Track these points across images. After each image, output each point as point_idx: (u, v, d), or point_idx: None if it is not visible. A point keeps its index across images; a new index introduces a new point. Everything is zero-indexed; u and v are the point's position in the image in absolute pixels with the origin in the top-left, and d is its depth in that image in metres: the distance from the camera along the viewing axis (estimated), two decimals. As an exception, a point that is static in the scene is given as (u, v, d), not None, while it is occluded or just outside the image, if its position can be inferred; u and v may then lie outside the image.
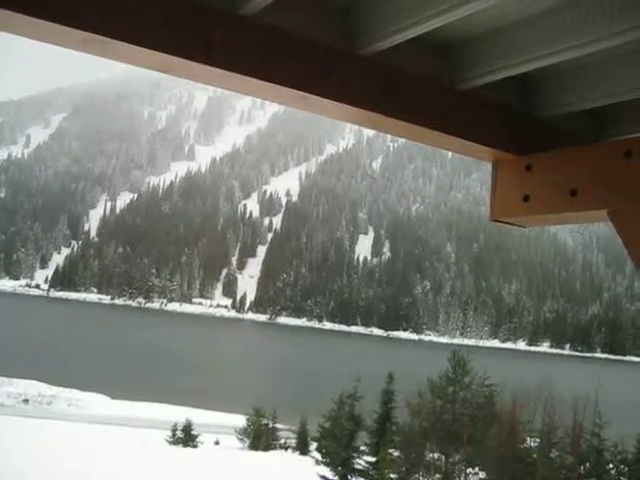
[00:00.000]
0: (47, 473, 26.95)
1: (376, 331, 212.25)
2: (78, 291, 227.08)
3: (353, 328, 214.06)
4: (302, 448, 45.79)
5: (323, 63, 2.84)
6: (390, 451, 29.25)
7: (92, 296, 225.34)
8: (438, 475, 28.92)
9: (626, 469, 30.35)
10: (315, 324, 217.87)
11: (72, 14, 2.29)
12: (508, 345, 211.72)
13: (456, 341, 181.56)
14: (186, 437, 45.36)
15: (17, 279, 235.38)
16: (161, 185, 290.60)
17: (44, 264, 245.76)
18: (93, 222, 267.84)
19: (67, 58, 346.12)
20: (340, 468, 29.76)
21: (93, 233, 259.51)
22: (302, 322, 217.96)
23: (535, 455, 30.48)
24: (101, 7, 2.35)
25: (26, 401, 60.11)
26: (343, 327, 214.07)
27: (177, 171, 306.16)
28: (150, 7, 2.43)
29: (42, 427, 44.47)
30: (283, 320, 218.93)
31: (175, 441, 44.86)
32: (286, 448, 47.29)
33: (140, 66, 2.63)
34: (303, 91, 2.80)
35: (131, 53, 2.48)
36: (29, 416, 51.59)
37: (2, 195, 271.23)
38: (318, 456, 34.10)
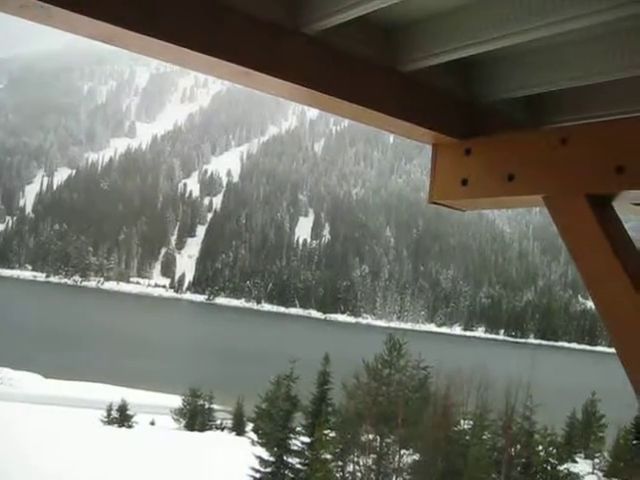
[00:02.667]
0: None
1: (314, 313, 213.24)
2: (12, 268, 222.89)
3: (291, 310, 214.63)
4: (238, 429, 45.94)
5: (266, 39, 2.83)
6: (326, 432, 29.49)
7: (27, 273, 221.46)
8: (373, 455, 29.29)
9: (554, 451, 31.20)
10: (253, 305, 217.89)
11: None
12: (444, 330, 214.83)
13: (393, 325, 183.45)
14: (121, 417, 45.08)
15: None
16: (100, 162, 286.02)
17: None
18: (29, 198, 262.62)
19: (3, 27, 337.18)
20: (276, 449, 29.91)
21: (29, 209, 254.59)
22: (240, 303, 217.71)
23: (468, 437, 31.09)
24: None
25: (-46, 380, 58.90)
26: (281, 309, 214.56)
27: (117, 148, 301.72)
28: None
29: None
30: (221, 301, 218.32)
31: (110, 421, 44.54)
32: (222, 429, 47.38)
33: (80, 35, 2.59)
34: (245, 66, 2.79)
35: (71, 20, 2.43)
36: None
37: None
38: (254, 437, 34.27)
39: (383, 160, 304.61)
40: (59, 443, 31.75)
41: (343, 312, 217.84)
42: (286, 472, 29.35)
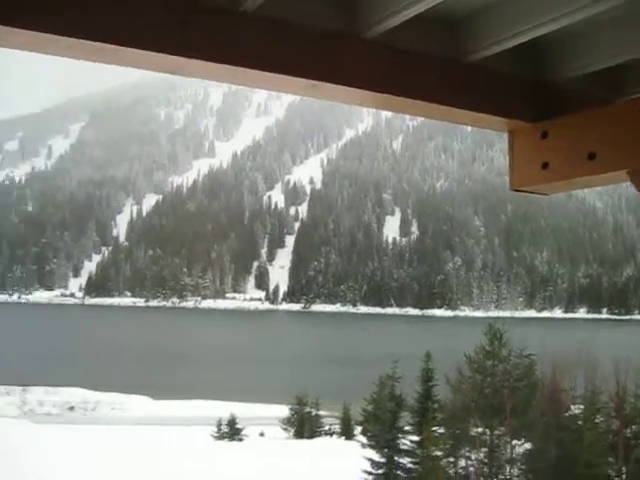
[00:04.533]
0: (100, 477, 27.41)
1: (411, 311, 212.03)
2: (112, 296, 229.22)
3: (388, 310, 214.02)
4: (347, 433, 46.03)
5: (329, 49, 2.82)
6: (434, 429, 29.31)
7: (126, 300, 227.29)
8: (484, 449, 28.93)
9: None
10: (349, 309, 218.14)
11: (83, 27, 2.32)
12: (545, 314, 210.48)
13: (491, 314, 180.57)
14: (231, 431, 45.77)
15: (52, 290, 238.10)
16: (184, 184, 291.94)
17: (77, 273, 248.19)
18: (121, 227, 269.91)
19: (81, 68, 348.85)
20: (386, 450, 29.90)
21: (122, 238, 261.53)
22: (336, 308, 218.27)
23: (580, 422, 30.34)
24: (109, 17, 2.37)
25: (72, 408, 60.98)
26: (378, 309, 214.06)
27: (199, 169, 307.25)
28: (152, 11, 2.44)
29: (89, 433, 45.09)
30: (317, 308, 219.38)
31: (221, 436, 45.29)
32: (331, 434, 47.58)
33: (145, 69, 2.63)
34: (312, 79, 2.78)
35: (141, 58, 2.49)
36: (76, 423, 52.34)
37: (30, 209, 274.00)
38: (363, 439, 34.28)
39: (464, 150, 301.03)
40: (174, 460, 32.45)
41: (440, 307, 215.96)
42: (398, 472, 29.30)
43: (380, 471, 29.25)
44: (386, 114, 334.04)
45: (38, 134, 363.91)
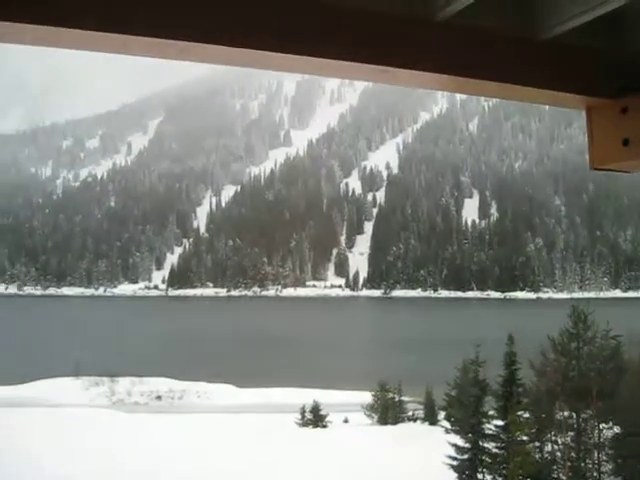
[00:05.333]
0: (188, 463, 27.96)
1: (493, 294, 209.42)
2: (194, 287, 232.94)
3: (469, 293, 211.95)
4: (430, 418, 45.84)
5: (399, 32, 2.79)
6: (519, 413, 28.94)
7: (209, 290, 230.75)
8: (570, 433, 28.44)
9: None
10: (430, 294, 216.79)
11: (168, 28, 2.36)
12: (631, 294, 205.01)
13: (575, 295, 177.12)
14: (315, 418, 46.07)
15: (136, 282, 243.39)
16: (262, 174, 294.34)
17: (159, 265, 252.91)
18: (201, 218, 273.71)
19: (156, 63, 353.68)
20: (470, 435, 29.64)
21: (202, 229, 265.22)
22: (417, 293, 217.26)
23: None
24: (193, 16, 2.40)
25: (159, 397, 62.37)
26: (459, 294, 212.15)
27: (276, 158, 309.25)
28: (228, 8, 2.47)
29: (177, 421, 46.03)
30: (398, 293, 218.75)
31: (305, 423, 45.63)
32: (415, 420, 47.46)
33: (221, 64, 2.64)
34: (383, 65, 2.76)
35: (221, 54, 2.54)
36: (163, 412, 53.52)
37: (112, 204, 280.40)
38: (447, 424, 34.07)
39: (541, 128, 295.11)
40: (260, 448, 32.84)
41: (522, 289, 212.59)
42: (483, 457, 29.02)
43: (465, 456, 29.03)
44: (461, 95, 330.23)
45: (117, 131, 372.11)
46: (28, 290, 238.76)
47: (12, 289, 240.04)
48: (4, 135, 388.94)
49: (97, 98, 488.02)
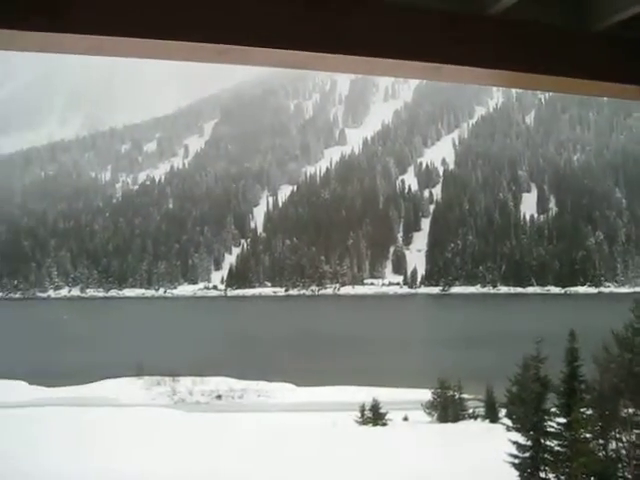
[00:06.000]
0: (249, 462, 28.15)
1: (553, 289, 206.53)
2: (253, 287, 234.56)
3: (529, 289, 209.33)
4: (491, 416, 45.43)
5: (452, 30, 2.76)
6: (582, 410, 28.47)
7: (267, 290, 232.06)
8: (636, 430, 27.87)
9: None
10: (489, 290, 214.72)
11: (206, 32, 2.36)
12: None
13: (638, 289, 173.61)
14: (375, 416, 46.02)
15: (195, 283, 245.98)
16: (318, 173, 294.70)
17: (218, 265, 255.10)
18: (258, 219, 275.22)
19: (210, 66, 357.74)
20: (532, 432, 29.26)
21: (260, 229, 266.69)
22: (476, 289, 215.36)
23: None
24: (230, 19, 2.39)
25: (219, 397, 63.06)
26: (518, 289, 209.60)
27: (331, 157, 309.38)
28: (273, 10, 2.45)
29: (238, 420, 46.42)
30: (456, 290, 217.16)
31: (364, 421, 45.61)
32: (475, 417, 47.09)
33: (273, 66, 2.69)
34: (435, 62, 2.74)
35: (264, 56, 2.52)
36: (223, 411, 54.04)
37: (170, 206, 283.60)
38: (508, 422, 33.70)
39: (600, 120, 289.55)
40: (321, 446, 32.92)
41: (583, 284, 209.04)
42: (545, 455, 28.62)
43: (526, 454, 28.65)
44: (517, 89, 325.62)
45: (174, 134, 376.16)
46: (91, 292, 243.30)
47: (75, 291, 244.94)
48: (65, 141, 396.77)
49: (154, 102, 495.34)
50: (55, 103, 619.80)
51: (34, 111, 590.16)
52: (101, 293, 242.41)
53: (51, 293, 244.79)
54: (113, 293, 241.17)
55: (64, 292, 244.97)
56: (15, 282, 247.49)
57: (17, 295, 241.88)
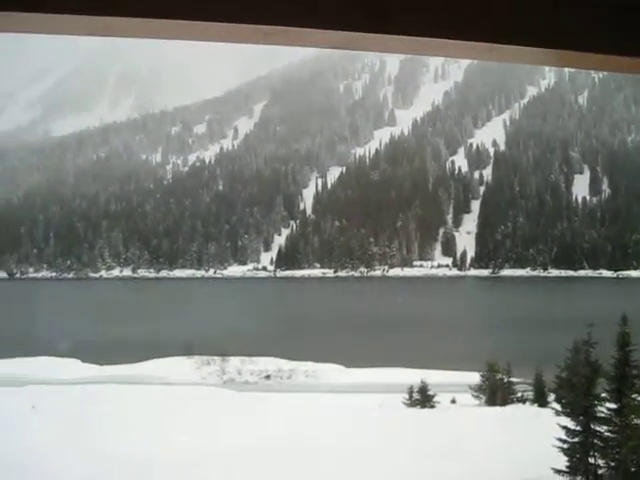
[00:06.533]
0: (296, 442, 28.44)
1: (605, 273, 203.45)
2: (302, 268, 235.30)
3: (580, 272, 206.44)
4: (540, 400, 45.11)
5: (504, 8, 2.67)
6: (633, 396, 28.16)
7: (316, 271, 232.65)
8: (688, 416, 27.51)
9: None
10: (540, 273, 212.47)
11: (252, 12, 2.33)
12: None
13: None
14: (423, 398, 46.05)
15: (244, 264, 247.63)
16: (367, 154, 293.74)
17: (267, 247, 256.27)
18: (307, 200, 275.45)
19: (259, 48, 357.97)
20: (582, 417, 29.03)
21: (309, 211, 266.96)
22: (526, 272, 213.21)
23: None
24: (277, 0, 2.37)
25: (268, 377, 63.65)
26: (569, 272, 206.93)
27: (381, 138, 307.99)
28: None
29: (286, 400, 46.85)
30: (506, 272, 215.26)
31: (412, 403, 45.67)
32: (523, 401, 46.81)
33: (317, 46, 2.59)
34: (487, 42, 2.67)
35: (311, 37, 2.46)
36: (272, 391, 54.58)
37: (220, 188, 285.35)
38: (557, 407, 33.46)
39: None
40: (367, 427, 33.11)
41: (636, 267, 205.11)
42: (595, 441, 28.38)
43: (576, 439, 28.46)
44: (570, 68, 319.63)
45: (224, 116, 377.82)
46: (142, 273, 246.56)
47: (127, 272, 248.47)
48: (116, 124, 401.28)
49: (203, 84, 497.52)
50: (106, 86, 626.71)
51: (86, 94, 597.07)
52: (152, 274, 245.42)
53: (103, 273, 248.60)
54: (164, 274, 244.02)
55: (116, 272, 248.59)
56: (68, 263, 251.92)
57: (70, 275, 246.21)
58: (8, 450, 26.54)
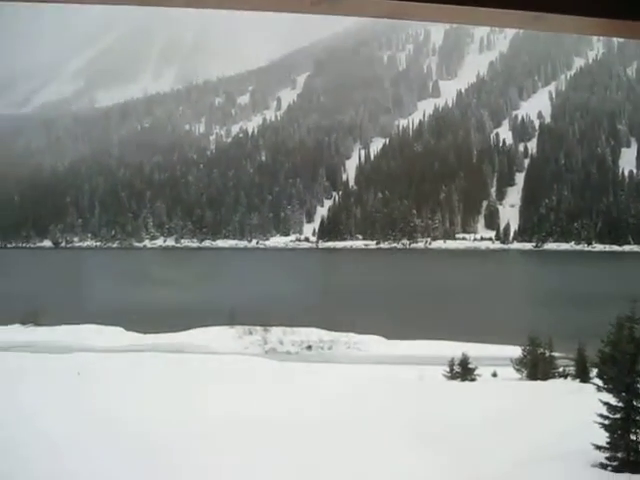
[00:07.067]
0: (334, 413, 28.66)
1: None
2: (344, 239, 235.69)
3: (625, 247, 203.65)
4: (582, 375, 44.72)
5: None
6: (677, 372, 27.83)
7: (358, 243, 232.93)
8: None
9: None
10: (584, 247, 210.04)
11: None
12: None
13: None
14: (463, 371, 45.92)
15: (287, 235, 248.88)
16: (410, 126, 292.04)
17: (310, 218, 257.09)
18: (350, 172, 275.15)
19: (303, 18, 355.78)
20: (624, 394, 28.77)
21: (352, 182, 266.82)
22: (570, 246, 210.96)
23: None
24: None
25: (309, 347, 63.99)
26: (615, 247, 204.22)
27: (424, 109, 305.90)
28: None
29: (328, 370, 47.15)
30: (550, 246, 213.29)
31: (453, 376, 45.57)
32: (565, 376, 46.44)
33: (368, 16, 2.52)
34: (534, 10, 2.57)
35: (360, 6, 2.40)
36: (313, 361, 54.92)
37: (263, 158, 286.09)
38: (599, 382, 33.21)
39: None
40: (408, 398, 33.20)
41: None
42: (637, 417, 28.13)
43: (617, 415, 28.21)
44: (618, 39, 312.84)
45: (267, 87, 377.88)
46: (185, 243, 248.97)
47: (170, 242, 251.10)
48: (160, 94, 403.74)
49: (246, 55, 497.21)
50: (150, 57, 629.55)
51: (130, 65, 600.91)
52: (195, 244, 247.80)
53: (147, 243, 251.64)
54: (207, 244, 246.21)
55: (159, 242, 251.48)
56: (113, 232, 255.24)
57: (114, 245, 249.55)
58: (56, 416, 27.15)
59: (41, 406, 28.79)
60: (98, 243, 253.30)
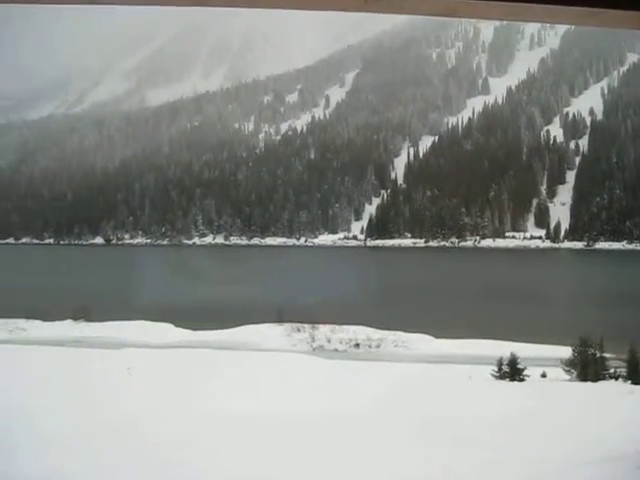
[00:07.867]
0: (382, 413, 28.80)
1: None
2: (392, 237, 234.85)
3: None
4: (633, 377, 44.27)
5: None
6: None
7: (407, 241, 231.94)
8: None
9: None
10: (637, 246, 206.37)
11: None
12: None
13: None
14: (512, 371, 45.74)
15: (335, 233, 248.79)
16: (459, 124, 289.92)
17: (358, 216, 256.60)
18: (399, 170, 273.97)
19: (350, 16, 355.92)
20: (676, 395, 28.52)
21: (400, 180, 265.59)
22: (622, 246, 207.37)
23: None
24: None
25: (357, 345, 64.29)
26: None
27: (474, 107, 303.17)
28: None
29: (376, 369, 47.29)
30: (601, 245, 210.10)
31: (501, 376, 45.42)
32: (616, 377, 45.98)
33: (423, 14, 2.51)
34: (591, 6, 2.56)
35: (415, 4, 2.43)
36: (361, 359, 55.11)
37: (312, 156, 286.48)
38: (651, 384, 32.90)
39: None
40: (455, 398, 33.22)
41: None
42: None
43: (669, 417, 27.99)
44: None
45: (315, 85, 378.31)
46: (234, 240, 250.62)
47: (219, 239, 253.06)
48: (210, 93, 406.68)
49: (295, 53, 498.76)
50: (199, 56, 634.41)
51: (180, 64, 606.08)
52: (244, 241, 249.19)
53: (196, 240, 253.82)
54: (255, 241, 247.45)
55: (208, 239, 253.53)
56: (163, 229, 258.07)
57: (164, 242, 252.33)
58: (106, 411, 27.72)
59: (91, 402, 29.42)
60: (148, 240, 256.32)
